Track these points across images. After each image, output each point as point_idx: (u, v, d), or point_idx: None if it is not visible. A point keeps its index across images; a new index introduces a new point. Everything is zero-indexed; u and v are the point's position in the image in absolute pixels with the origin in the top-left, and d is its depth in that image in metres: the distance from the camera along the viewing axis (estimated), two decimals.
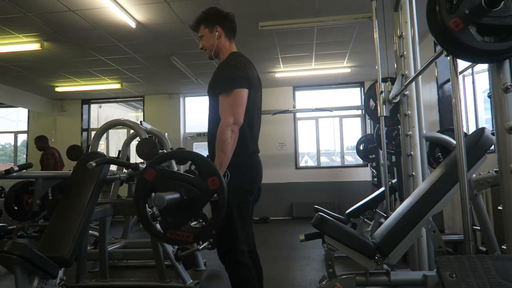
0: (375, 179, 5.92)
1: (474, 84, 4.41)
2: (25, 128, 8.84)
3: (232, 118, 1.69)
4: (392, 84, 2.42)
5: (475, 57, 1.24)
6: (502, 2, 1.11)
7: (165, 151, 3.91)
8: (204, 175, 1.47)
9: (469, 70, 4.47)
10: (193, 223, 3.57)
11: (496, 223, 2.72)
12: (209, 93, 1.87)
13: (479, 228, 2.45)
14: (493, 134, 1.40)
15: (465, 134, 2.01)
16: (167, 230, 1.48)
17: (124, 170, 2.95)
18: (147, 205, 2.84)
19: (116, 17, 4.35)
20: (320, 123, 7.99)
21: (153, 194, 1.40)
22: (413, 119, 2.29)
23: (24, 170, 2.62)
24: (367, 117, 7.07)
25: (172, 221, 1.48)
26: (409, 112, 2.30)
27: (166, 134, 4.63)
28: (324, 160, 8.28)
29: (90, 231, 3.84)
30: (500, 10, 1.12)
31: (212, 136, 1.80)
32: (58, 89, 7.46)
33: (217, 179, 1.45)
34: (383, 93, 2.53)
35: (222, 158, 1.67)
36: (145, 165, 2.88)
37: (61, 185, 2.88)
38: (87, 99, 8.59)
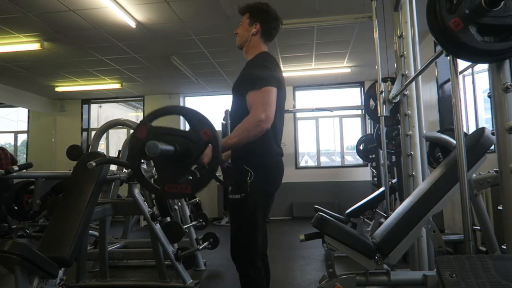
0: (375, 179, 5.92)
1: (474, 84, 4.41)
2: (25, 128, 8.84)
3: (264, 115, 1.62)
4: (392, 84, 2.42)
5: (475, 57, 1.24)
6: (502, 2, 1.11)
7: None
8: (196, 128, 1.46)
9: (469, 70, 4.47)
10: (193, 223, 3.57)
11: (496, 223, 2.72)
12: (234, 91, 1.83)
13: (479, 228, 2.45)
14: (493, 134, 1.40)
15: (465, 134, 2.01)
16: (165, 185, 1.47)
17: (124, 170, 2.95)
18: (147, 204, 2.85)
19: (116, 17, 4.35)
20: (320, 123, 7.99)
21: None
22: (413, 119, 2.29)
23: (24, 170, 2.62)
24: (367, 117, 7.07)
25: (168, 176, 1.48)
26: (409, 112, 2.30)
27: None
28: (324, 160, 8.28)
29: (90, 231, 3.84)
30: (500, 10, 1.12)
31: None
32: (58, 89, 7.46)
33: (209, 129, 1.44)
34: (383, 93, 2.53)
35: (233, 141, 1.62)
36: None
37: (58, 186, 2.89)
38: (87, 99, 8.59)
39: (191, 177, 1.48)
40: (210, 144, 1.43)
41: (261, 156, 1.72)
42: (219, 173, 1.65)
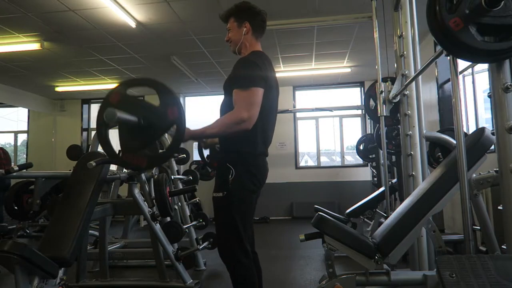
0: (375, 179, 5.92)
1: (474, 84, 4.41)
2: (25, 128, 8.84)
3: (247, 114, 1.64)
4: (392, 84, 2.42)
5: (475, 57, 1.24)
6: (502, 2, 1.11)
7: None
8: (165, 105, 1.48)
9: (469, 70, 4.46)
10: (193, 222, 3.57)
11: (496, 223, 2.72)
12: (225, 88, 1.83)
13: (479, 228, 2.45)
14: (493, 134, 1.40)
15: (465, 134, 2.01)
16: (123, 153, 1.51)
17: (124, 170, 2.95)
18: (147, 204, 2.84)
19: (116, 17, 4.35)
20: (320, 123, 7.99)
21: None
22: (413, 119, 2.29)
23: (24, 170, 2.63)
24: (367, 117, 7.06)
25: (128, 145, 1.51)
26: (409, 112, 2.30)
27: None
28: (324, 160, 8.28)
29: (90, 231, 3.84)
30: (500, 10, 1.12)
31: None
32: (58, 89, 7.45)
33: (177, 109, 1.47)
34: (383, 93, 2.53)
35: (211, 129, 1.67)
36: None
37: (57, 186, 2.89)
38: (87, 99, 8.59)
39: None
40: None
41: (244, 155, 1.73)
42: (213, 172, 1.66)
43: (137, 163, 1.51)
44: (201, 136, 1.75)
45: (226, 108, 1.79)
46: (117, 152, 1.58)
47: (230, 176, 1.71)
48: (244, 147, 1.73)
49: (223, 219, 1.76)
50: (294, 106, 7.86)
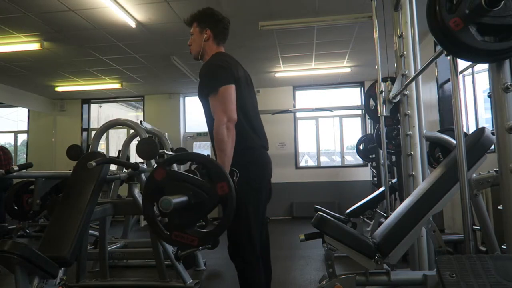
0: (375, 179, 5.92)
1: (474, 84, 4.41)
2: (25, 128, 8.84)
3: (225, 116, 1.67)
4: (392, 83, 2.42)
5: (475, 57, 1.24)
6: (502, 2, 1.11)
7: (165, 151, 3.91)
8: (214, 179, 1.45)
9: (469, 70, 4.47)
10: None
11: (496, 223, 2.72)
12: (199, 96, 1.86)
13: (479, 228, 2.45)
14: (493, 134, 1.40)
15: (465, 134, 2.01)
16: (172, 232, 1.46)
17: (124, 170, 2.95)
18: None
19: (116, 17, 4.35)
20: (320, 123, 7.99)
21: (162, 197, 1.39)
22: (413, 119, 2.29)
23: (24, 170, 2.62)
24: (367, 117, 7.06)
25: (178, 223, 1.47)
26: (409, 111, 2.30)
27: (166, 134, 4.63)
28: (324, 160, 8.28)
29: (90, 231, 3.85)
30: (500, 10, 1.12)
31: (212, 136, 1.78)
32: (58, 89, 7.46)
33: (226, 185, 1.44)
34: (383, 93, 2.53)
35: (223, 158, 1.66)
36: (145, 165, 2.89)
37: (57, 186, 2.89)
38: (87, 99, 8.59)
39: (199, 229, 1.49)
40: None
41: (242, 153, 1.73)
42: None
43: (188, 243, 1.47)
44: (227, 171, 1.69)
45: (206, 114, 1.83)
46: (164, 230, 1.52)
47: (234, 177, 1.71)
48: (239, 144, 1.72)
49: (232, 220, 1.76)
50: (294, 106, 7.86)
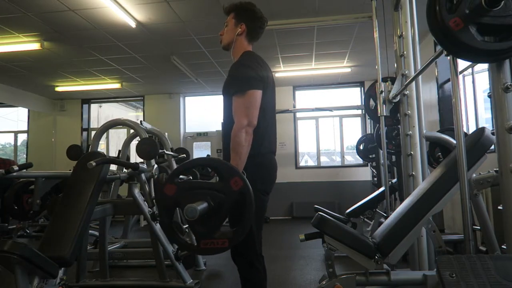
0: (375, 179, 5.92)
1: (474, 84, 4.41)
2: (25, 128, 8.84)
3: (246, 120, 1.66)
4: (392, 83, 2.42)
5: (475, 57, 1.24)
6: (502, 2, 1.11)
7: (165, 151, 3.91)
8: (226, 177, 1.44)
9: (469, 70, 4.47)
10: None
11: (496, 223, 2.72)
12: (223, 92, 1.84)
13: (479, 228, 2.45)
14: (493, 133, 1.40)
15: (465, 134, 2.01)
16: (200, 241, 1.43)
17: (124, 170, 2.95)
18: (147, 204, 2.84)
19: (116, 17, 4.35)
20: (320, 122, 7.99)
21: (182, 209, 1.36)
22: (413, 118, 2.29)
23: (24, 170, 2.63)
24: (367, 116, 7.07)
25: (203, 231, 1.43)
26: (409, 111, 2.30)
27: (166, 134, 4.63)
28: (324, 160, 8.28)
29: (90, 231, 3.84)
30: (500, 10, 1.12)
31: (226, 135, 1.77)
32: (58, 89, 7.45)
33: (239, 178, 1.43)
34: (383, 92, 2.53)
35: (237, 161, 1.64)
36: (145, 165, 2.89)
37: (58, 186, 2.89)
38: (87, 99, 8.58)
39: (225, 231, 1.45)
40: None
41: (252, 156, 1.72)
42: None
43: (220, 246, 1.43)
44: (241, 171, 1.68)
45: (226, 111, 1.82)
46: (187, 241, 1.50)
47: None
48: (251, 149, 1.71)
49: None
50: (294, 106, 7.86)
